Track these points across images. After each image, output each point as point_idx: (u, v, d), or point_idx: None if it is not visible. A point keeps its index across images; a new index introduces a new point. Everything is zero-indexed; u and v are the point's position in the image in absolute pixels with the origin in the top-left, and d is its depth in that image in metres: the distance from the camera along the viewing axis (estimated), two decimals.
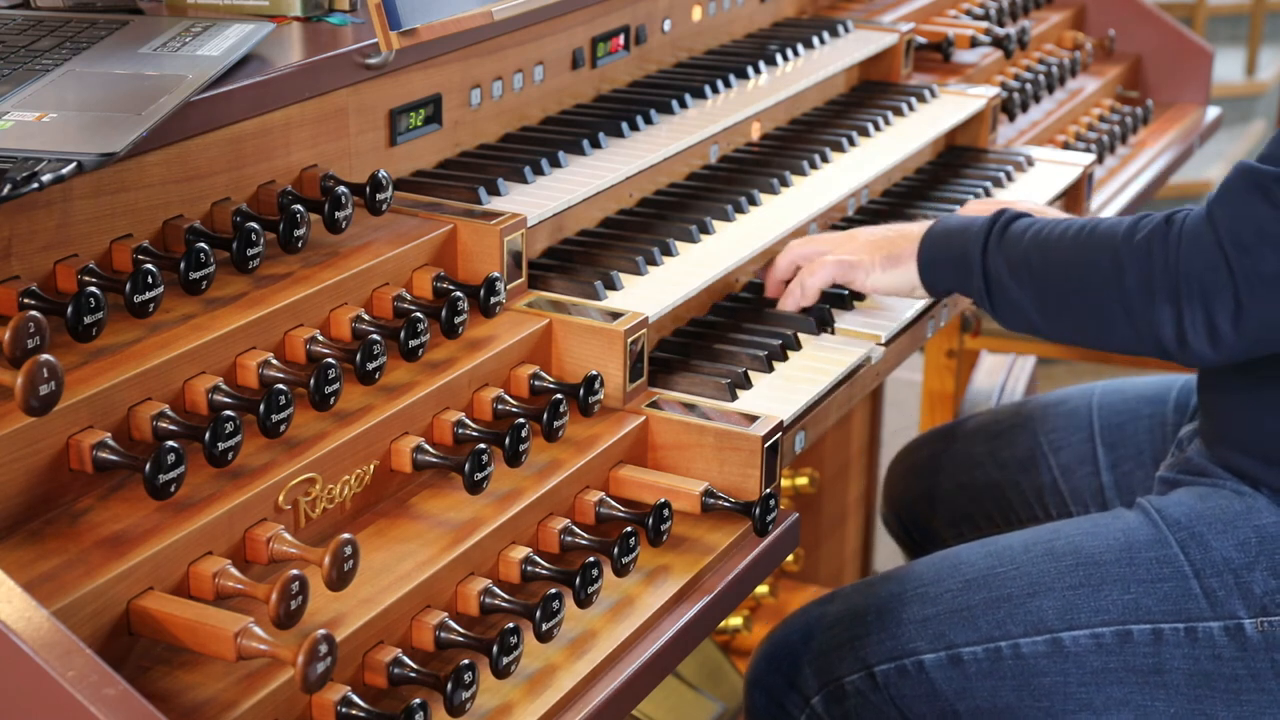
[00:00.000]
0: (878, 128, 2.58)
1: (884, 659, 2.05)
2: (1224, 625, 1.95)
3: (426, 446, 1.64)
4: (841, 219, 2.41)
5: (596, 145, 2.19)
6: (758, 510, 1.74)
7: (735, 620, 3.07)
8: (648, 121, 2.29)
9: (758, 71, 2.53)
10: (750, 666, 2.21)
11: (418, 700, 1.38)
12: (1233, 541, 1.97)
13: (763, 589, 3.15)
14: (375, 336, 1.64)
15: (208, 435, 1.44)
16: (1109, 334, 1.93)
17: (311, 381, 1.56)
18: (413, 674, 1.45)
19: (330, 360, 1.58)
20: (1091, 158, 2.76)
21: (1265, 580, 1.94)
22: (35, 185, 1.42)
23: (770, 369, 1.96)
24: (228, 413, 1.46)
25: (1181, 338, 1.86)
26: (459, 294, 1.76)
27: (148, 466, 1.40)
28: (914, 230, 2.10)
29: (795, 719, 2.12)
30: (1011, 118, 2.88)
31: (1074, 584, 2.00)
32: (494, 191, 2.01)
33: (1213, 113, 3.38)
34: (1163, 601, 1.97)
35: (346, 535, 1.40)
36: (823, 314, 2.08)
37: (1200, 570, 1.97)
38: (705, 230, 2.15)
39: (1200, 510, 2.01)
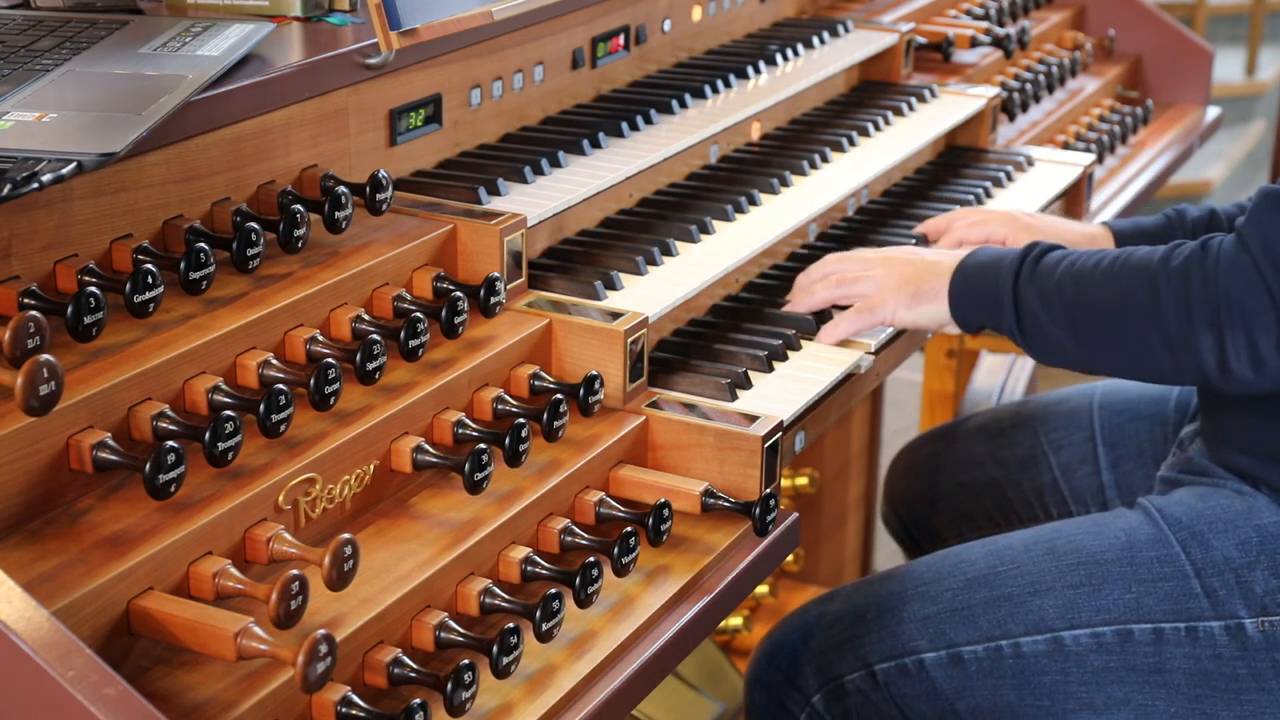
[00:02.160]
0: (878, 128, 2.58)
1: (884, 658, 2.05)
2: (1225, 625, 1.95)
3: (426, 446, 1.64)
4: (841, 219, 2.41)
5: (596, 145, 2.19)
6: (758, 510, 1.74)
7: (735, 620, 3.07)
8: (648, 121, 2.29)
9: (758, 71, 2.53)
10: (750, 665, 2.21)
11: (418, 700, 1.38)
12: (1233, 541, 1.97)
13: (763, 589, 3.15)
14: (375, 336, 1.64)
15: (208, 435, 1.44)
16: (1148, 364, 1.91)
17: (311, 381, 1.56)
18: (413, 674, 1.44)
19: (330, 360, 1.58)
20: (1091, 158, 2.76)
21: (1266, 580, 1.94)
22: (35, 185, 1.42)
23: (770, 369, 1.96)
24: (228, 413, 1.46)
25: (1224, 365, 1.84)
26: (459, 294, 1.76)
27: (148, 466, 1.40)
28: (944, 264, 2.06)
29: (796, 717, 2.12)
30: (1011, 118, 2.88)
31: (1075, 583, 2.00)
32: (494, 191, 2.01)
33: (1213, 113, 3.38)
34: (1164, 601, 1.97)
35: (346, 535, 1.40)
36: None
37: (1201, 570, 1.97)
38: (705, 230, 2.15)
39: (1201, 510, 2.01)
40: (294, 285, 1.69)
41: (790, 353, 2.01)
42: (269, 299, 1.65)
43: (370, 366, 1.63)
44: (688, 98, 2.37)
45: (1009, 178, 2.63)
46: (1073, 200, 2.71)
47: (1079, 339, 1.94)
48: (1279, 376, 1.84)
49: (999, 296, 1.99)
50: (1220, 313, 1.83)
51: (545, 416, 1.71)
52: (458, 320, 1.75)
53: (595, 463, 1.75)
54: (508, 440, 1.65)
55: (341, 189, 1.76)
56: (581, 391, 1.77)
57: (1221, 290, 1.82)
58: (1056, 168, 2.70)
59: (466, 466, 1.61)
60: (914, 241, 2.31)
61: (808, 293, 2.10)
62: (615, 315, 1.86)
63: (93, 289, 1.48)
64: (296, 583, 1.34)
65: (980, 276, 2.02)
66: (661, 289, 1.98)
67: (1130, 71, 3.41)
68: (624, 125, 2.24)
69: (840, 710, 2.08)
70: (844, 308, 2.10)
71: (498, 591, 1.56)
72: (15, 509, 1.39)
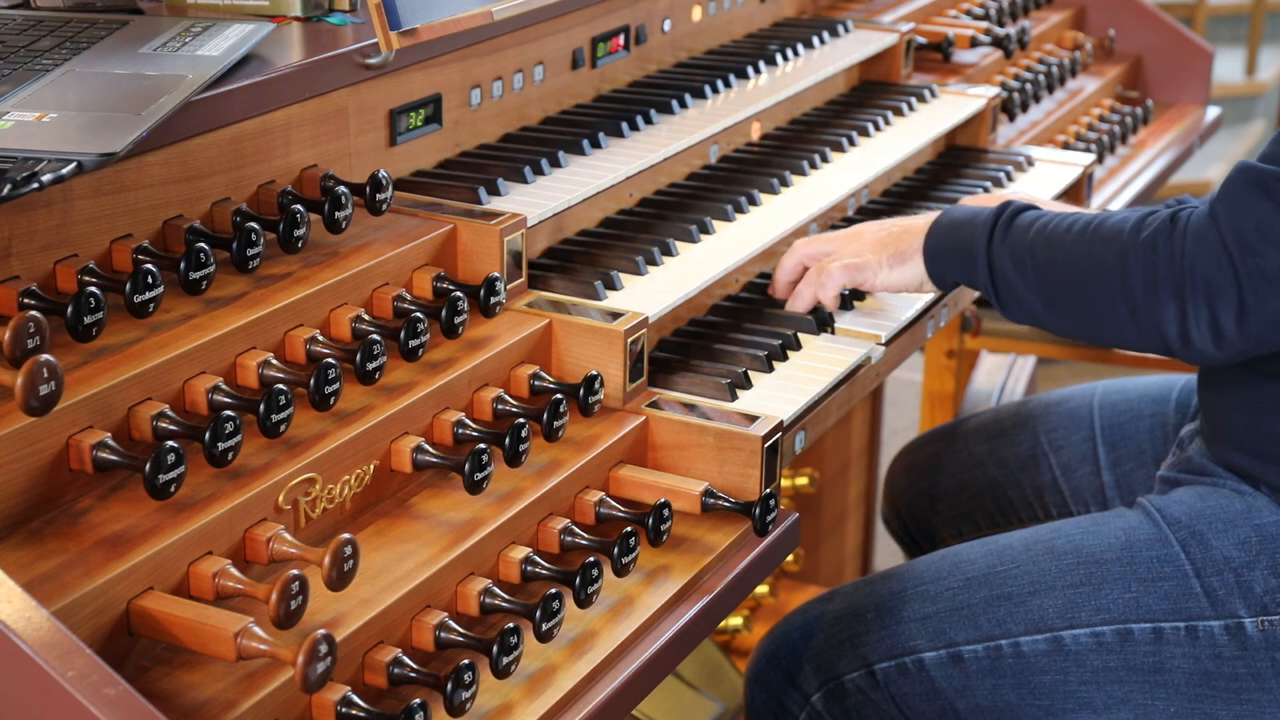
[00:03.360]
0: (878, 128, 2.58)
1: (884, 657, 2.05)
2: (1224, 624, 1.95)
3: (426, 446, 1.64)
4: (841, 219, 2.41)
5: (596, 145, 2.19)
6: (758, 510, 1.74)
7: (735, 620, 3.07)
8: (648, 121, 2.29)
9: (758, 71, 2.53)
10: (750, 663, 2.21)
11: (418, 700, 1.38)
12: (1233, 540, 1.97)
13: (763, 589, 3.15)
14: (375, 336, 1.64)
15: (208, 435, 1.44)
16: (1113, 330, 1.94)
17: (311, 381, 1.56)
18: (413, 674, 1.45)
19: (330, 360, 1.58)
20: (1091, 158, 2.76)
21: (1266, 579, 1.94)
22: (35, 185, 1.42)
23: (770, 369, 1.96)
24: (228, 413, 1.46)
25: (1185, 336, 1.86)
26: (459, 294, 1.76)
27: (148, 466, 1.40)
28: (919, 224, 2.09)
29: (795, 716, 2.12)
30: (1011, 118, 2.88)
31: (1075, 583, 2.01)
32: (494, 191, 2.01)
33: (1213, 113, 3.38)
34: (1163, 600, 1.97)
35: (346, 535, 1.40)
36: (822, 314, 2.08)
37: (1201, 569, 1.97)
38: (705, 230, 2.15)
39: (1201, 509, 2.01)
40: (294, 285, 1.69)
41: (790, 352, 2.01)
42: (269, 299, 1.65)
43: (370, 366, 1.63)
44: (688, 98, 2.37)
45: (1009, 178, 2.63)
46: (1073, 200, 2.71)
47: (1048, 302, 1.97)
48: (1240, 350, 1.86)
49: (973, 256, 2.02)
50: (1184, 284, 1.85)
51: (545, 416, 1.71)
52: (458, 320, 1.75)
53: (595, 463, 1.75)
54: (508, 440, 1.65)
55: (341, 189, 1.76)
56: (581, 391, 1.77)
57: (1187, 263, 1.84)
58: (1056, 168, 2.70)
59: (466, 466, 1.61)
60: None
61: (796, 294, 2.10)
62: (615, 315, 1.86)
63: (93, 289, 1.49)
64: (296, 583, 1.34)
65: (955, 235, 2.04)
66: (662, 289, 1.98)
67: (1130, 71, 3.41)
68: (624, 125, 2.24)
69: (840, 709, 2.08)
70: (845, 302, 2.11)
71: (498, 591, 1.56)
72: (15, 509, 1.39)
